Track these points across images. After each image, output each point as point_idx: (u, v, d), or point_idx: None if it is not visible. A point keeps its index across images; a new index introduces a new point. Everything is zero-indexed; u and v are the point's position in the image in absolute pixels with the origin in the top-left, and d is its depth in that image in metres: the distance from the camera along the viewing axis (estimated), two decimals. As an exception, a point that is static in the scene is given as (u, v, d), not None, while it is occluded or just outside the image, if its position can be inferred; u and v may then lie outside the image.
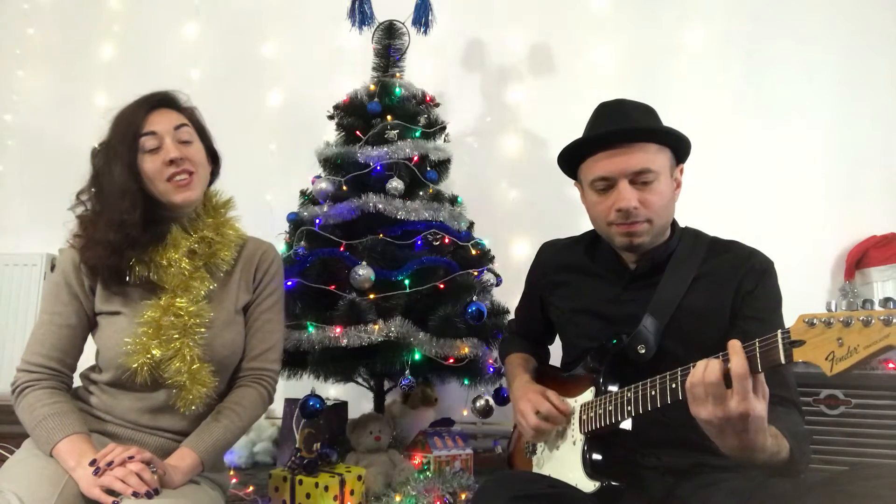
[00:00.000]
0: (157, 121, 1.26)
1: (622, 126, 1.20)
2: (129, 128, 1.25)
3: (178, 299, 1.23)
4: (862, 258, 2.60)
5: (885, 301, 0.77)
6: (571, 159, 1.29)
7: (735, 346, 0.90)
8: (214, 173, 1.41)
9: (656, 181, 1.18)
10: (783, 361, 0.85)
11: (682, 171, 1.27)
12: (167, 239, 1.26)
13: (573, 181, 1.34)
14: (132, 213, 1.21)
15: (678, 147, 1.23)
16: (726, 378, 0.89)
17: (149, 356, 1.19)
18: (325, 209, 1.97)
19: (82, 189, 1.28)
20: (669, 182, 1.22)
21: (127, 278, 1.24)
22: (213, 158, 1.39)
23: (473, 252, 2.04)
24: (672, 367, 1.01)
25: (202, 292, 1.27)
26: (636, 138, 1.18)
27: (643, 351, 1.16)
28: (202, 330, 1.24)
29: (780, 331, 0.86)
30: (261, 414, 1.37)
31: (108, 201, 1.23)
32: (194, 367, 1.22)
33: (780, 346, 0.86)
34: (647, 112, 1.25)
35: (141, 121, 1.25)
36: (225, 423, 1.27)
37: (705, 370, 0.91)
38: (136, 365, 1.19)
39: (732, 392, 0.88)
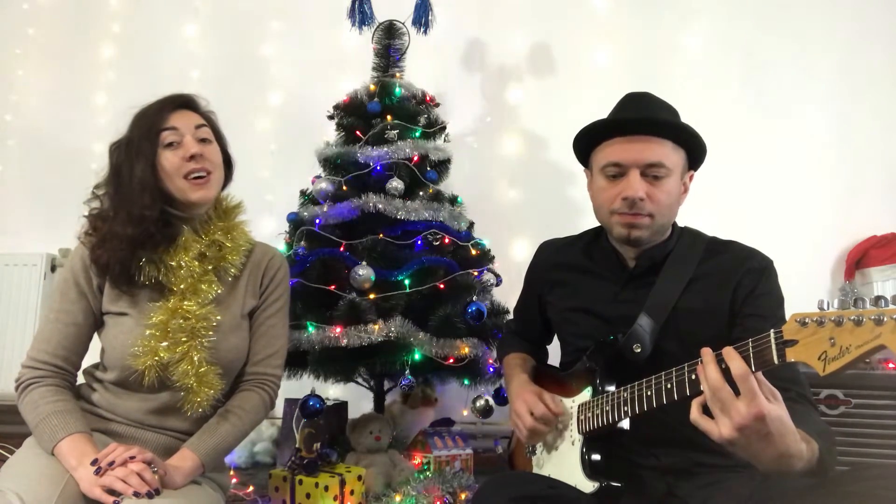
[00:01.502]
0: (179, 119, 1.29)
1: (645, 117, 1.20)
2: (151, 124, 1.27)
3: (186, 302, 1.24)
4: (862, 258, 2.60)
5: (877, 300, 0.76)
6: (588, 142, 1.28)
7: (729, 351, 0.88)
8: (227, 178, 1.42)
9: (667, 178, 1.18)
10: (776, 362, 0.84)
11: (691, 178, 1.27)
12: (178, 241, 1.27)
13: (583, 168, 1.35)
14: (152, 209, 1.22)
15: (694, 151, 1.24)
16: (732, 386, 0.87)
17: (156, 358, 1.20)
18: (325, 209, 1.97)
19: (99, 183, 1.29)
20: (678, 183, 1.22)
21: (136, 277, 1.24)
22: (227, 164, 1.41)
23: (473, 252, 2.04)
24: (669, 367, 1.01)
25: (210, 296, 1.27)
26: (656, 131, 1.18)
27: (639, 350, 1.16)
28: (210, 333, 1.25)
29: (772, 330, 0.86)
30: (262, 418, 1.37)
31: (128, 196, 1.24)
32: (202, 369, 1.22)
33: (773, 346, 0.85)
34: (670, 111, 1.26)
35: (164, 118, 1.28)
36: (227, 426, 1.27)
37: (707, 380, 0.88)
38: (143, 367, 1.19)
39: (741, 396, 0.85)
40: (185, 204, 1.28)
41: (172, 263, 1.25)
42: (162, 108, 1.29)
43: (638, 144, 1.18)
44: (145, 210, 1.22)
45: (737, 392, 0.85)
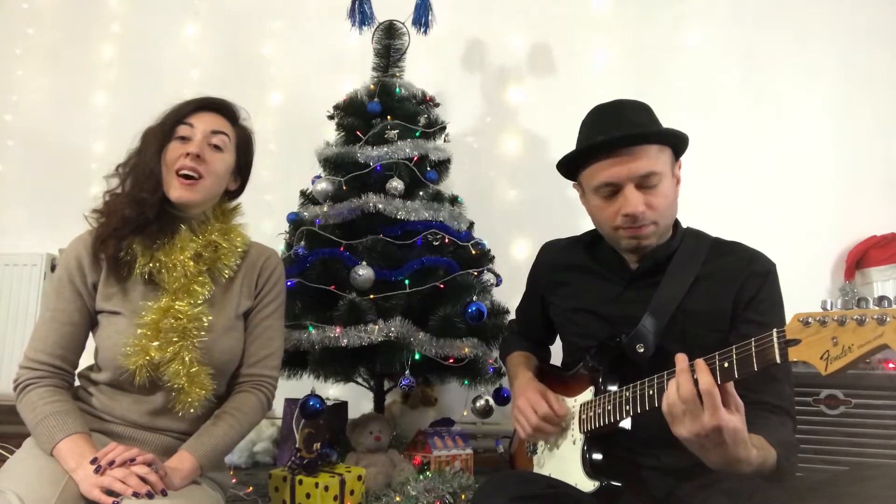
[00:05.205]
0: (201, 118, 1.31)
1: (622, 131, 1.17)
2: (174, 115, 1.29)
3: (177, 302, 1.24)
4: (862, 258, 2.59)
5: (880, 300, 0.77)
6: (572, 165, 1.28)
7: (699, 364, 0.94)
8: (235, 194, 1.43)
9: (660, 183, 1.18)
10: (778, 360, 0.86)
11: (680, 167, 1.27)
12: (175, 239, 1.27)
13: (573, 183, 1.34)
14: (153, 195, 1.24)
15: (677, 144, 1.23)
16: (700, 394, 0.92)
17: (147, 358, 1.20)
18: (325, 209, 1.97)
19: (122, 163, 1.31)
20: (672, 181, 1.22)
21: (129, 268, 1.24)
22: (242, 182, 1.43)
23: (473, 252, 2.04)
24: (672, 367, 1.01)
25: (203, 297, 1.27)
26: (638, 142, 1.17)
27: (642, 350, 1.16)
28: (201, 333, 1.24)
29: (775, 330, 0.87)
30: (259, 420, 1.38)
31: (136, 178, 1.26)
32: (193, 370, 1.22)
33: (776, 345, 0.86)
34: (643, 111, 1.24)
35: (187, 112, 1.30)
36: (224, 428, 1.27)
37: (679, 389, 0.94)
38: (134, 366, 1.19)
39: (704, 408, 0.91)
40: (173, 201, 1.28)
41: (168, 261, 1.25)
42: (190, 103, 1.31)
43: (626, 161, 1.16)
44: (146, 194, 1.23)
45: None
